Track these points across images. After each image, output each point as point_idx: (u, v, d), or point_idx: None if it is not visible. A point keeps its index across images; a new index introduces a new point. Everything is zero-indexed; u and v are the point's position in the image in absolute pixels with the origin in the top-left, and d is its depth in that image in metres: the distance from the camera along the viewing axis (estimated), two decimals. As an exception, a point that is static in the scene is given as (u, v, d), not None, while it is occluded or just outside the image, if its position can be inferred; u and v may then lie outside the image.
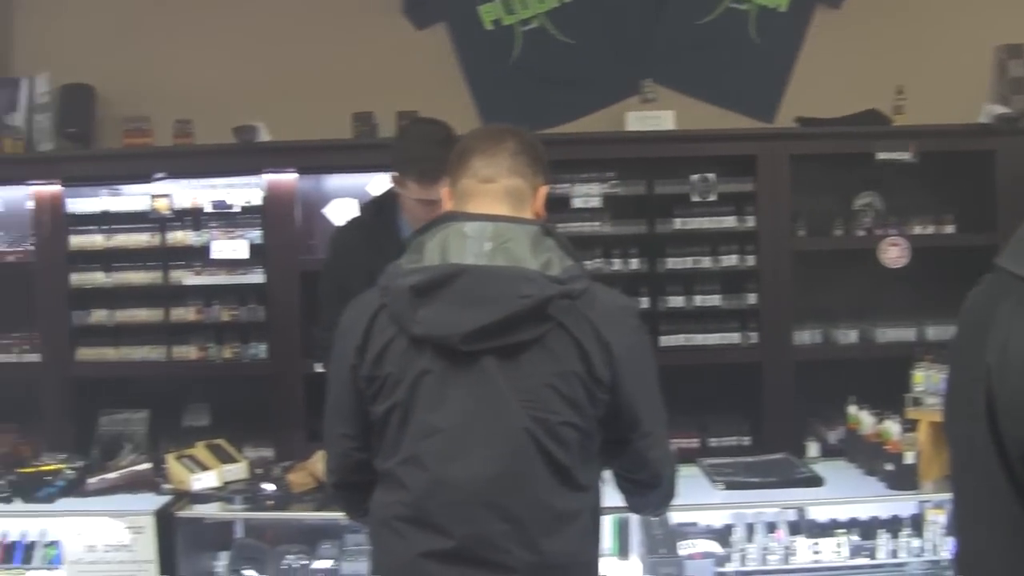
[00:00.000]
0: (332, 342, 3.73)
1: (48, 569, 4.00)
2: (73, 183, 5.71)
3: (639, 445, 2.46)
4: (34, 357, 5.75)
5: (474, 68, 6.08)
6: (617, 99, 5.94)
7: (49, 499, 3.78)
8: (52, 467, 3.99)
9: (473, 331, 2.29)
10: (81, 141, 5.93)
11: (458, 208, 2.50)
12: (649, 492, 2.62)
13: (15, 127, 5.90)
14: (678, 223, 5.60)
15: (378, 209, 4.13)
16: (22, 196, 5.85)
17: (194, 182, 5.66)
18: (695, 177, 5.58)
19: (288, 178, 5.52)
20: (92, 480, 3.84)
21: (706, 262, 5.59)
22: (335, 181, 5.92)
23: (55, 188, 5.69)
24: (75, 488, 3.85)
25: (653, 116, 5.70)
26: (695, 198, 5.58)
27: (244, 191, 5.62)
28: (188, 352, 5.65)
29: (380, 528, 2.45)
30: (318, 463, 3.75)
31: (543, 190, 2.57)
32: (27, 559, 4.07)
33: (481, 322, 2.29)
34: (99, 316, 5.70)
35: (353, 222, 4.29)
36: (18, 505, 3.84)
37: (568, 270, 2.35)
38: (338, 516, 3.68)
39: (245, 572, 3.71)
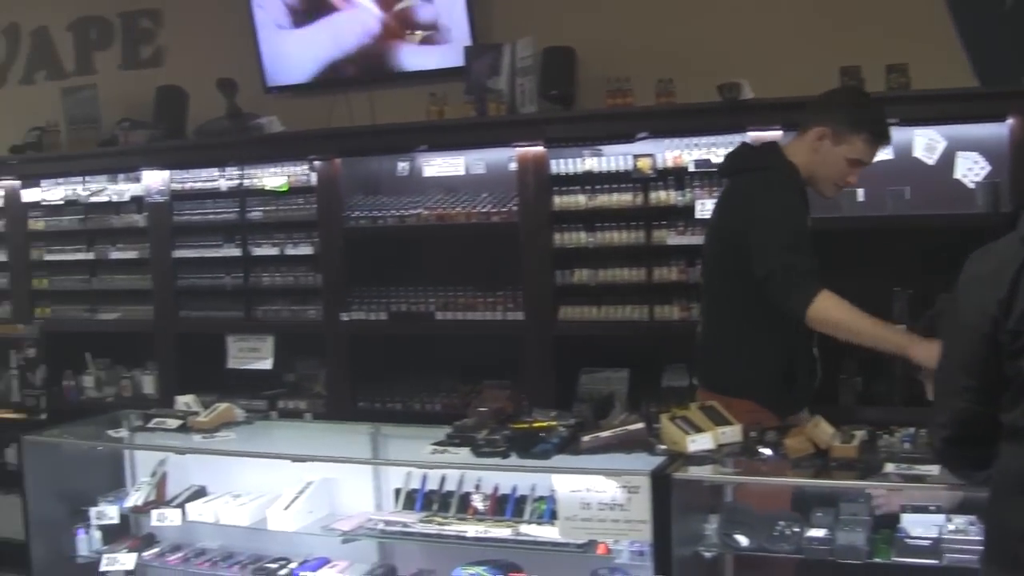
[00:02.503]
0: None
1: (538, 523, 4.25)
2: (556, 144, 6.01)
3: None
4: (518, 315, 6.11)
5: (965, 17, 5.85)
6: None
7: (545, 455, 3.97)
8: (545, 424, 4.18)
9: None
10: (563, 103, 6.21)
11: None
12: None
13: (498, 90, 6.27)
14: None
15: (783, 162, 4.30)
16: (506, 158, 6.22)
17: (677, 141, 5.80)
18: None
19: (772, 136, 5.56)
20: (586, 438, 4.02)
21: None
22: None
23: (538, 149, 6.01)
24: (569, 445, 4.05)
25: None
26: None
27: (728, 149, 5.69)
28: (670, 312, 5.81)
29: (1016, 487, 2.50)
30: (815, 428, 3.79)
31: None
32: (518, 512, 4.36)
33: None
34: (581, 276, 5.97)
35: (787, 168, 4.34)
36: (513, 460, 4.10)
37: None
38: (836, 483, 3.71)
39: (736, 536, 3.79)
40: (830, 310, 3.98)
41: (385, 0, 6.96)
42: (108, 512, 5.14)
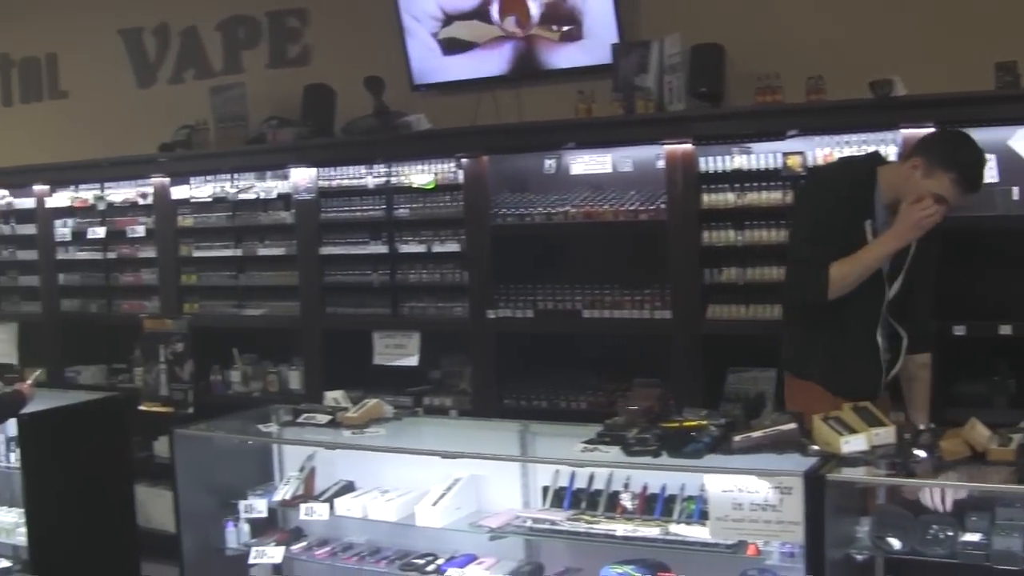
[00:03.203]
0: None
1: (687, 523, 4.32)
2: (704, 142, 6.06)
3: None
4: (666, 314, 6.17)
5: None
6: None
7: (697, 455, 4.05)
8: (695, 423, 4.26)
9: None
10: (712, 100, 6.27)
11: None
12: None
13: (646, 88, 6.33)
14: None
15: (867, 172, 4.64)
16: (654, 155, 6.29)
17: (827, 138, 5.80)
18: None
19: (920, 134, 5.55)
20: (737, 438, 4.08)
21: None
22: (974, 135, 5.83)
23: (687, 147, 6.06)
24: (720, 445, 4.12)
25: None
26: None
27: (880, 147, 5.68)
28: (819, 312, 5.82)
29: None
30: (972, 430, 3.81)
31: None
32: (667, 512, 4.43)
33: None
34: (730, 274, 6.02)
35: (842, 173, 4.82)
36: (664, 459, 4.17)
37: None
38: (993, 487, 3.74)
39: (888, 539, 3.81)
40: (842, 279, 4.48)
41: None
42: (257, 506, 5.36)
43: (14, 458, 6.13)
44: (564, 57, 7.04)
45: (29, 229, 9.12)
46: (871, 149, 5.61)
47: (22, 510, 6.15)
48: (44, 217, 8.97)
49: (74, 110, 9.59)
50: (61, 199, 8.89)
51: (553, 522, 4.54)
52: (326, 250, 7.40)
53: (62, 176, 8.88)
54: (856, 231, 4.55)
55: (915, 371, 4.81)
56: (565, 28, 6.95)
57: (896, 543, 3.81)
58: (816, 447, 3.97)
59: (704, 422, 4.27)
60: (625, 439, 4.24)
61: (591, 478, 4.66)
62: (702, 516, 4.29)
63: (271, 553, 5.26)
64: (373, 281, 7.25)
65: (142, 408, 7.56)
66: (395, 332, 7.12)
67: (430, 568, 4.94)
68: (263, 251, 7.77)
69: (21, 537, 6.14)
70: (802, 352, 4.74)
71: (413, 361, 7.06)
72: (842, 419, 3.98)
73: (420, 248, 7.03)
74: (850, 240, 4.52)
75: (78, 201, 8.81)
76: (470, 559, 4.91)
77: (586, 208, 6.43)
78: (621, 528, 4.36)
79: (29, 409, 5.75)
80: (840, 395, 4.41)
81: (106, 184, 8.68)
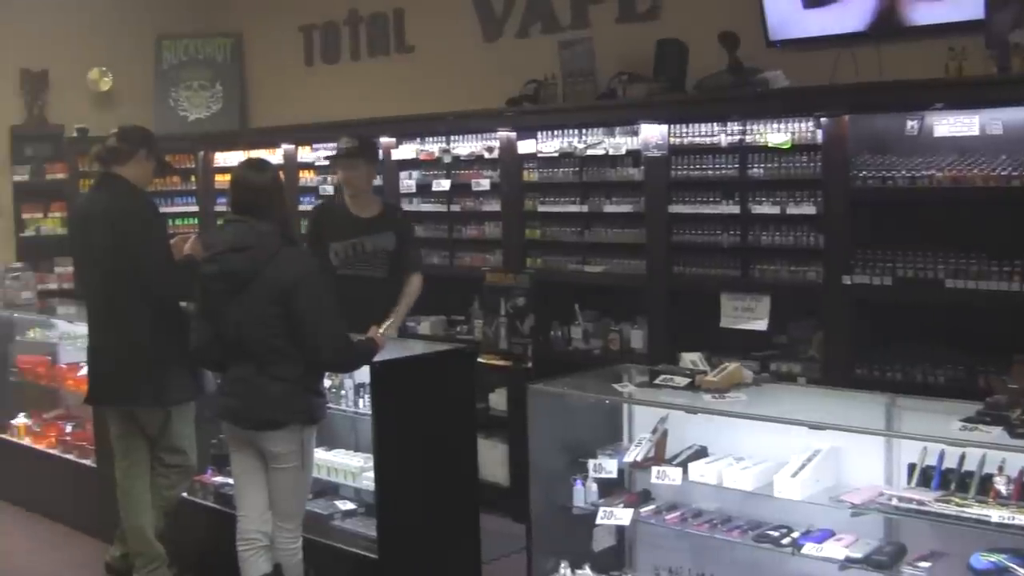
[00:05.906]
0: None
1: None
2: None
3: None
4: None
5: None
6: None
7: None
8: None
9: None
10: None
11: None
12: None
13: (1023, 44, 6.09)
14: None
15: None
16: (1024, 118, 6.03)
17: None
18: None
19: None
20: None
21: None
22: None
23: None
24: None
25: None
26: None
27: None
28: None
29: None
30: None
31: None
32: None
33: None
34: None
35: None
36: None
37: None
38: None
39: None
40: None
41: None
42: (607, 466, 5.41)
43: (362, 404, 6.38)
44: (930, 13, 6.81)
45: (375, 181, 9.46)
46: None
47: (366, 455, 6.40)
48: (390, 169, 9.34)
49: (420, 64, 9.95)
50: (407, 151, 9.26)
51: (920, 502, 4.41)
52: (675, 208, 7.41)
53: (408, 129, 9.23)
54: None
55: None
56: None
57: None
58: None
59: (1094, 406, 4.09)
60: (1009, 420, 4.14)
61: (962, 459, 4.51)
62: (1085, 507, 4.12)
63: (619, 514, 5.30)
64: (723, 242, 7.22)
65: (480, 360, 7.74)
66: (744, 295, 7.09)
67: (785, 541, 4.88)
68: (610, 208, 7.86)
69: (366, 480, 6.36)
70: None
71: (762, 325, 7.03)
72: None
73: (774, 209, 6.94)
74: None
75: (423, 154, 9.13)
76: (827, 535, 4.82)
77: (953, 172, 6.20)
78: (996, 514, 4.20)
79: (379, 358, 5.94)
80: None
81: (452, 137, 8.96)
